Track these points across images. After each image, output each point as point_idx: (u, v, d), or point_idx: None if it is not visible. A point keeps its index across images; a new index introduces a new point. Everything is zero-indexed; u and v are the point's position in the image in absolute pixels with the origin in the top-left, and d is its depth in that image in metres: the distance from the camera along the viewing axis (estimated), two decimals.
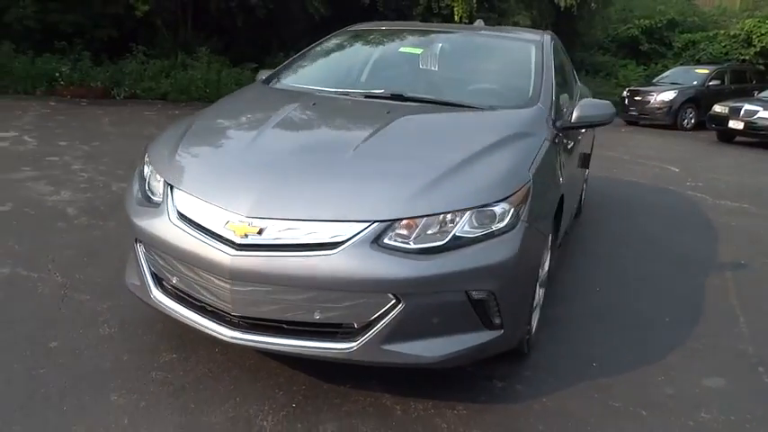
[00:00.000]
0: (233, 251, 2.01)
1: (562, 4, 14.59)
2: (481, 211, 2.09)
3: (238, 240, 2.01)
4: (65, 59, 11.00)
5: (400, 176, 2.17)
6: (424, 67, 3.30)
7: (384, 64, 3.44)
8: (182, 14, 12.70)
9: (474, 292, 2.05)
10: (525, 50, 3.33)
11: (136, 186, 2.46)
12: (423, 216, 2.02)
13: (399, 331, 2.01)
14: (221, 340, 2.12)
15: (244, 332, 2.09)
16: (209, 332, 2.13)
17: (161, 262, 2.26)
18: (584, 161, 3.90)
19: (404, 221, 2.01)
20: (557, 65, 3.44)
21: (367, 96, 2.95)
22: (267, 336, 2.08)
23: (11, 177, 4.96)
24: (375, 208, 2.02)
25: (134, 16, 11.22)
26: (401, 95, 2.91)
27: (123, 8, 11.26)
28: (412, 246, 2.00)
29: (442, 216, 2.04)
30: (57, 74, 10.61)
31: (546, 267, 2.76)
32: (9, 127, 7.26)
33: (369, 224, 1.98)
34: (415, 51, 3.39)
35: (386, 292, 1.96)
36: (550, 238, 2.59)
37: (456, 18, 13.36)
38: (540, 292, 2.62)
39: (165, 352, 2.48)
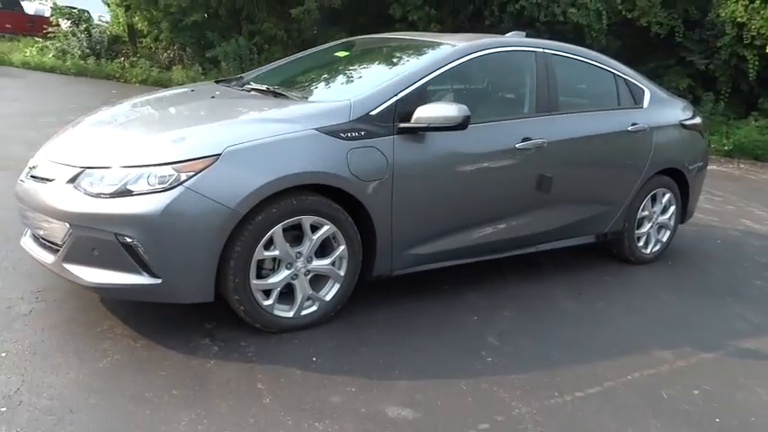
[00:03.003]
0: (21, 180, 2.85)
1: None
2: (154, 170, 2.47)
3: (28, 173, 2.85)
4: None
5: (117, 139, 2.72)
6: (338, 67, 3.55)
7: (310, 65, 3.79)
8: None
9: (121, 237, 2.44)
10: (425, 55, 3.26)
11: None
12: (102, 167, 2.52)
13: (72, 254, 2.55)
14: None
15: (28, 240, 2.91)
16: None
17: None
18: (543, 185, 3.42)
19: (98, 170, 2.54)
20: (473, 73, 3.35)
21: (252, 90, 3.40)
22: (35, 246, 2.84)
23: None
24: (80, 158, 2.61)
25: None
26: (268, 89, 3.30)
27: None
28: (93, 189, 2.51)
29: (120, 169, 2.50)
30: None
31: (337, 254, 2.82)
32: None
33: (69, 168, 2.58)
34: (341, 55, 3.65)
35: (61, 220, 2.54)
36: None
37: None
38: (275, 274, 2.71)
39: None
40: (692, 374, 2.79)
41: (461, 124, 2.87)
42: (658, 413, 2.46)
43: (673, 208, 4.33)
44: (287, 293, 2.82)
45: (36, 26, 14.92)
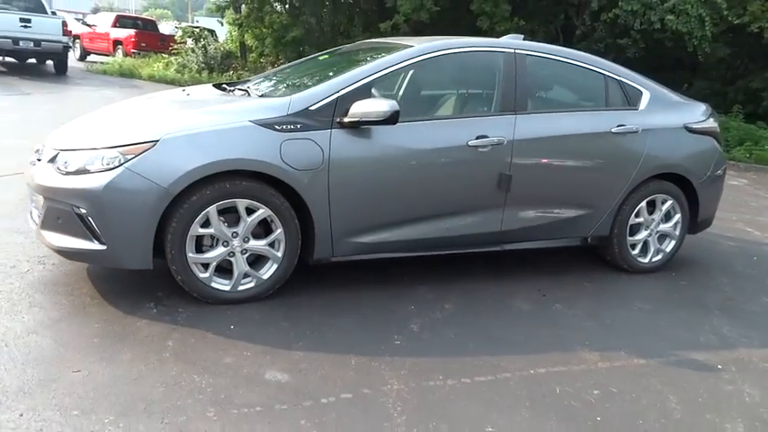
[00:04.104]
0: (29, 162, 3.42)
1: None
2: (106, 153, 2.89)
3: (34, 156, 3.42)
4: None
5: (93, 127, 3.19)
6: (314, 70, 3.82)
7: (298, 69, 4.08)
8: None
9: (76, 208, 2.88)
10: (380, 56, 3.44)
11: None
12: (71, 150, 2.99)
13: (46, 222, 3.03)
14: None
15: (31, 212, 3.46)
16: None
17: None
18: (502, 183, 3.45)
19: (69, 152, 3.01)
20: (429, 73, 3.51)
21: (233, 89, 3.77)
22: (33, 216, 3.38)
23: None
24: (60, 142, 3.10)
25: None
26: (240, 88, 3.67)
27: None
28: (63, 168, 2.99)
29: (83, 151, 2.95)
30: None
31: (274, 238, 3.10)
32: None
33: (52, 150, 3.08)
34: (321, 59, 3.92)
35: (40, 194, 3.04)
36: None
37: None
38: (212, 253, 3.03)
39: None
40: (605, 376, 2.72)
41: (390, 119, 3.03)
42: (536, 406, 2.44)
43: (678, 216, 4.10)
44: (231, 270, 3.12)
45: (165, 44, 16.70)
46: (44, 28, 12.97)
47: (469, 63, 3.61)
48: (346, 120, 3.10)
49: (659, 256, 4.14)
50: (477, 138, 3.38)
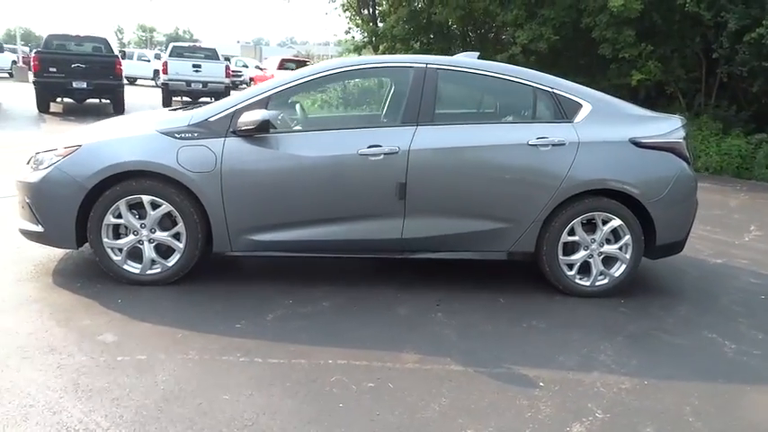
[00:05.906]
0: None
1: None
2: (49, 154, 3.66)
3: None
4: None
5: (62, 136, 3.97)
6: None
7: None
8: (698, 82, 12.31)
9: (27, 198, 3.68)
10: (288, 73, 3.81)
11: None
12: (38, 152, 3.81)
13: (19, 209, 3.88)
14: None
15: None
16: None
17: None
18: (400, 191, 3.56)
19: (38, 154, 3.84)
20: (327, 87, 3.73)
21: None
22: None
23: None
24: (39, 147, 3.96)
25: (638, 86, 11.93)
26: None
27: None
28: (32, 167, 3.82)
29: (42, 153, 3.75)
30: None
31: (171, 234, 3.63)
32: None
33: (33, 154, 3.96)
34: None
35: (17, 188, 3.91)
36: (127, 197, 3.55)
37: None
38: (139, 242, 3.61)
39: None
40: (397, 375, 2.73)
41: (260, 128, 3.41)
42: (295, 387, 2.58)
43: (627, 238, 3.78)
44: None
45: None
46: (211, 72, 15.30)
47: (376, 78, 3.81)
48: (235, 129, 3.52)
49: (605, 280, 3.84)
50: (368, 147, 3.56)
